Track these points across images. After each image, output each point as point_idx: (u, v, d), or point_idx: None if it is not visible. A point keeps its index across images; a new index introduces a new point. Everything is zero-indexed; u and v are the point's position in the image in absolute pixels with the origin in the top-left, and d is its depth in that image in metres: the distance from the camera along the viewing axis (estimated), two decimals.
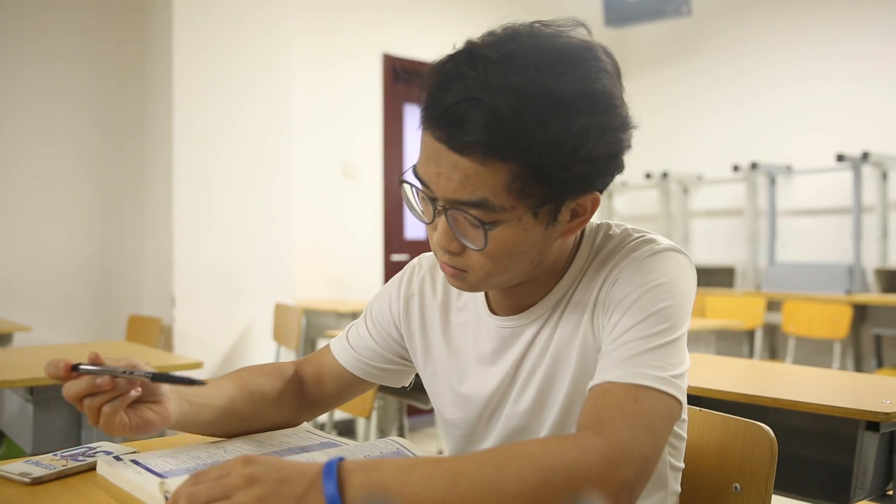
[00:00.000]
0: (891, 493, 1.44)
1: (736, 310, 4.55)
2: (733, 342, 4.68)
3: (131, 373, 0.83)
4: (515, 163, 0.75)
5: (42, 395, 1.76)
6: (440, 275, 1.02)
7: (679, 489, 0.96)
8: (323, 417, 3.07)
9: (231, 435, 1.01)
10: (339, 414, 3.69)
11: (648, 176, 5.20)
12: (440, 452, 3.33)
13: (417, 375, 1.08)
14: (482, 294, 0.97)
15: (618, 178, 0.87)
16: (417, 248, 4.66)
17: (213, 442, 0.99)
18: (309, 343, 3.81)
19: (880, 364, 4.25)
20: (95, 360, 0.83)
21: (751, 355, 4.65)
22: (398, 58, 4.54)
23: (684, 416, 0.97)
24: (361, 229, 4.43)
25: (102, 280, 3.77)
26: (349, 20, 4.38)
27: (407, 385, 1.12)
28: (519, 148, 0.74)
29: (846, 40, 4.61)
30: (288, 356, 3.69)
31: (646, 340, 0.78)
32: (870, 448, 1.38)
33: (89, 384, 0.82)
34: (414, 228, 4.69)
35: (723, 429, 1.03)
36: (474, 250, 0.81)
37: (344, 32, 4.36)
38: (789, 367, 2.83)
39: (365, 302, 3.66)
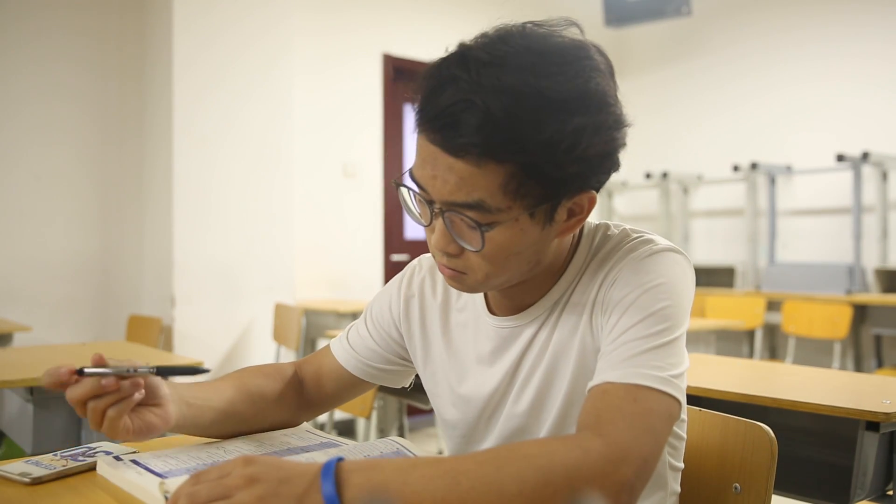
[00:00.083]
0: (891, 493, 1.44)
1: (736, 310, 4.54)
2: (733, 342, 4.68)
3: (136, 370, 0.83)
4: (510, 164, 0.75)
5: (42, 395, 1.76)
6: (440, 276, 1.02)
7: (679, 489, 0.96)
8: (323, 417, 3.07)
9: (231, 436, 1.00)
10: (339, 414, 3.69)
11: (648, 176, 5.19)
12: (440, 452, 3.33)
13: (417, 376, 1.08)
14: (481, 294, 0.97)
15: (617, 179, 0.87)
16: (417, 248, 4.66)
17: (213, 442, 0.99)
18: (309, 343, 3.81)
19: (880, 364, 4.25)
20: (99, 362, 0.82)
21: (751, 355, 4.65)
22: (398, 58, 4.55)
23: (684, 416, 0.97)
24: (361, 229, 4.43)
25: (102, 280, 3.77)
26: (349, 20, 4.38)
27: (407, 385, 1.12)
28: (513, 149, 0.74)
29: (846, 40, 4.61)
30: (288, 356, 3.69)
31: (645, 340, 0.78)
32: (870, 448, 1.38)
33: (95, 386, 0.81)
34: (414, 229, 4.68)
35: (723, 429, 1.03)
36: (472, 252, 0.81)
37: (344, 32, 4.36)
38: (789, 367, 2.83)
39: (365, 302, 3.66)
